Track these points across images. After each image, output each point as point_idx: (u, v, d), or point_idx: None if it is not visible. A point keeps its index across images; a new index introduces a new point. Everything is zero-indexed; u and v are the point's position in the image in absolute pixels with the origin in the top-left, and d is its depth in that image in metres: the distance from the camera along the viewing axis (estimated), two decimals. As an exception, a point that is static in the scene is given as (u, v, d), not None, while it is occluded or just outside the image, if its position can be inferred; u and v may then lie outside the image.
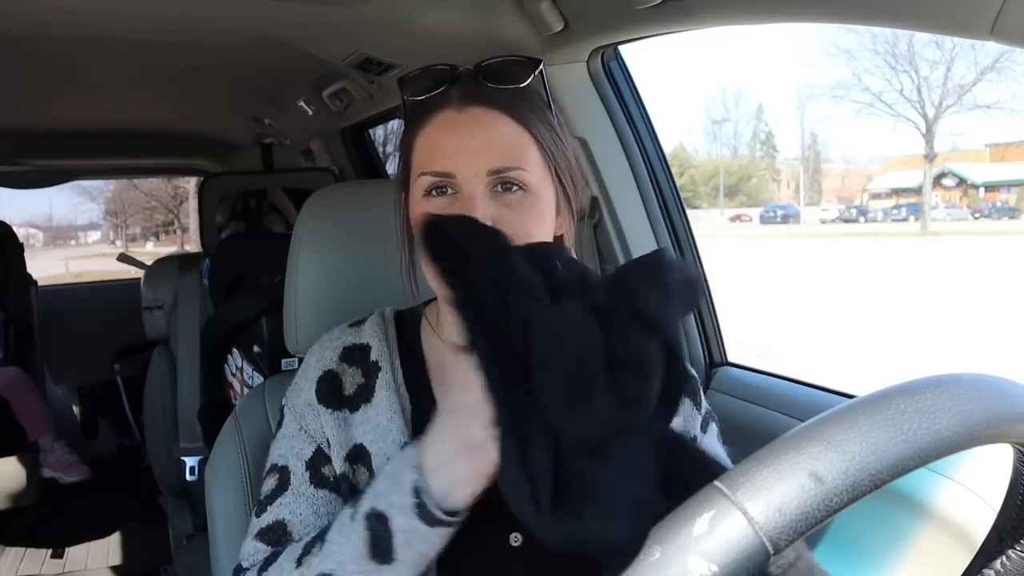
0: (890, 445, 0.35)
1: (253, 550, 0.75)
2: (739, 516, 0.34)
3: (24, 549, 2.80)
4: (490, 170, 0.69)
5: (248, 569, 0.73)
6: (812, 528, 0.34)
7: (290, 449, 0.78)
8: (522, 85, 0.72)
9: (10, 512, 2.74)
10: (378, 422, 0.75)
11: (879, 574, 0.94)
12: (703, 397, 0.83)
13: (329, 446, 0.76)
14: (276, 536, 0.74)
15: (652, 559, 0.34)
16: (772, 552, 0.34)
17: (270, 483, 0.77)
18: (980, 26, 0.64)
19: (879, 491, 0.35)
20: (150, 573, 2.45)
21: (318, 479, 0.76)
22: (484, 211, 0.68)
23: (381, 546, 0.61)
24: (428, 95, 0.73)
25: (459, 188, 0.70)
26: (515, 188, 0.70)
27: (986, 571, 0.46)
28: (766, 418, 1.15)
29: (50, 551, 2.78)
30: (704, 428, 0.81)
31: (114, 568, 2.67)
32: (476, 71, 0.73)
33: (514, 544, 0.72)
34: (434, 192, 0.71)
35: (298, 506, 0.75)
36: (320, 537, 0.67)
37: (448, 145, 0.71)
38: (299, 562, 0.68)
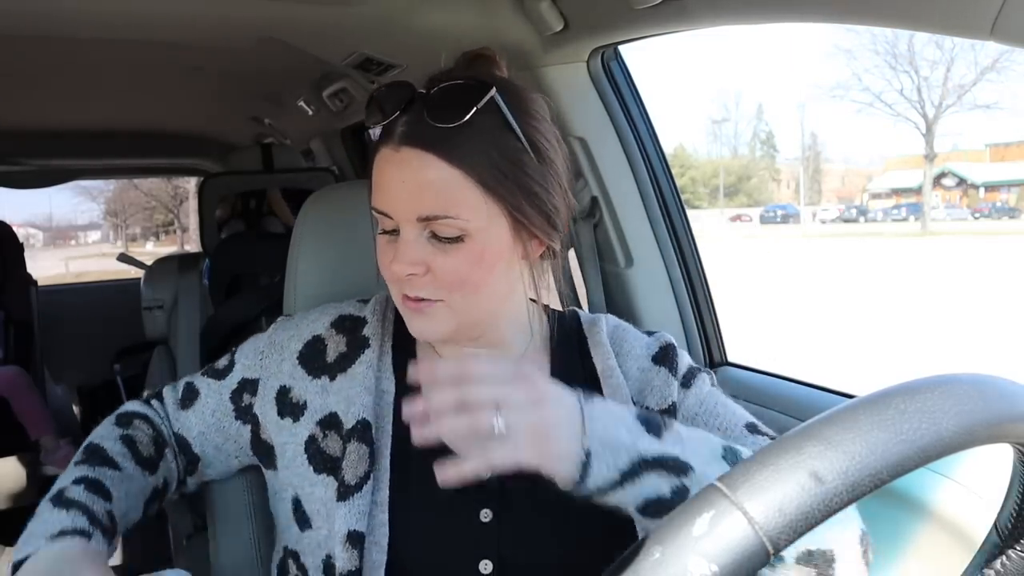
0: (890, 445, 0.35)
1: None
2: (739, 516, 0.34)
3: (24, 549, 2.80)
4: (419, 216, 0.68)
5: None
6: (812, 528, 0.34)
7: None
8: (461, 121, 0.66)
9: (10, 512, 2.74)
10: (348, 394, 0.76)
11: (879, 574, 0.94)
12: (682, 359, 0.81)
13: (305, 408, 0.78)
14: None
15: (652, 559, 0.34)
16: (772, 552, 0.34)
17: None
18: (980, 26, 0.64)
19: (879, 491, 0.35)
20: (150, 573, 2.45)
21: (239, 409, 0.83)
22: (414, 256, 0.68)
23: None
24: (377, 125, 0.71)
25: (398, 227, 0.70)
26: (449, 235, 0.68)
27: (986, 571, 0.46)
28: (766, 418, 1.14)
29: (50, 551, 2.78)
30: (688, 385, 0.79)
31: (114, 568, 2.66)
32: (425, 101, 0.68)
33: (484, 520, 0.72)
34: (385, 229, 0.72)
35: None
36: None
37: (383, 185, 0.70)
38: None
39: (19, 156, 3.05)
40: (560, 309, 0.85)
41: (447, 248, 0.68)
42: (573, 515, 0.72)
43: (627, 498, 0.60)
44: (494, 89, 0.67)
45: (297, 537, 0.77)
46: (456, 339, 0.77)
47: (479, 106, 0.66)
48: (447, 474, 0.56)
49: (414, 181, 0.67)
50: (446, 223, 0.67)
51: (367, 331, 0.80)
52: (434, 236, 0.68)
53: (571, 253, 1.33)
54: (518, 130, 0.68)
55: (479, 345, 0.78)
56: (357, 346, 0.79)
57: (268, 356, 0.82)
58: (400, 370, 0.79)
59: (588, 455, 0.58)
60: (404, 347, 0.81)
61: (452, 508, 0.72)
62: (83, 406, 3.13)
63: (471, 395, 0.57)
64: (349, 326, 0.81)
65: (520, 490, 0.72)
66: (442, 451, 0.74)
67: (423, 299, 0.71)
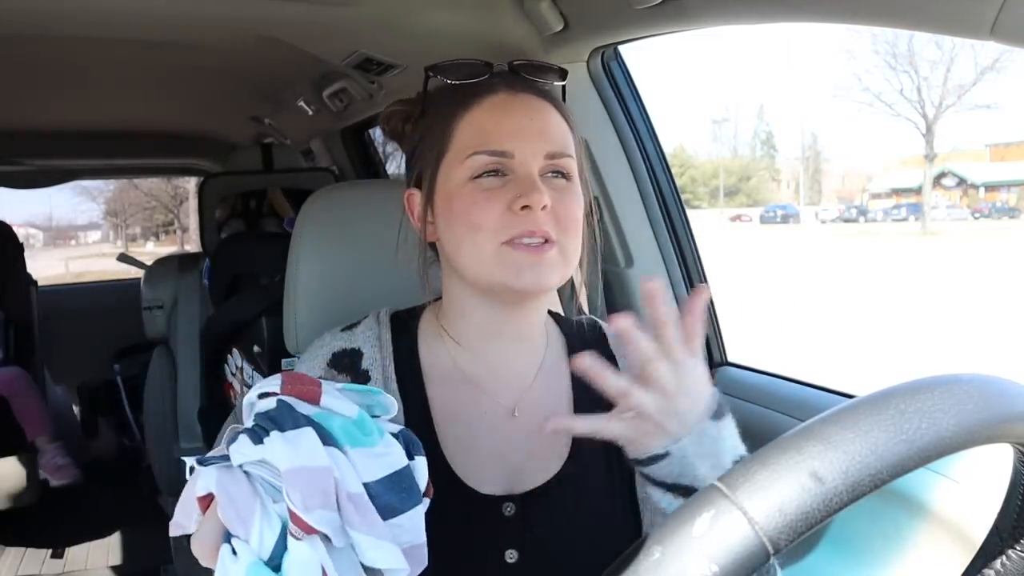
0: (890, 445, 0.35)
1: None
2: (739, 516, 0.34)
3: (24, 549, 2.80)
4: (547, 153, 0.72)
5: None
6: (812, 528, 0.34)
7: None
8: (563, 83, 0.77)
9: (10, 512, 2.74)
10: None
11: (879, 574, 0.94)
12: None
13: None
14: None
15: (652, 559, 0.34)
16: (772, 552, 0.34)
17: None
18: (980, 26, 0.64)
19: (879, 491, 0.35)
20: (150, 573, 2.45)
21: None
22: (544, 189, 0.70)
23: None
24: (477, 79, 0.74)
25: (514, 169, 0.71)
26: (563, 175, 0.73)
27: (986, 571, 0.46)
28: (766, 418, 1.15)
29: (50, 551, 2.78)
30: None
31: (114, 568, 2.67)
32: (513, 67, 0.76)
33: (510, 561, 0.71)
34: (485, 175, 0.71)
35: None
36: None
37: (505, 125, 0.72)
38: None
39: (19, 156, 3.05)
40: (570, 316, 0.85)
41: (560, 188, 0.72)
42: (598, 560, 0.71)
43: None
44: (568, 75, 0.78)
45: None
46: (542, 297, 0.78)
47: (566, 81, 0.78)
48: (557, 423, 0.61)
49: (542, 121, 0.73)
50: (566, 162, 0.73)
51: (365, 363, 0.76)
52: (549, 178, 0.72)
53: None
54: (571, 121, 0.77)
55: (512, 336, 0.77)
56: (359, 381, 0.76)
57: None
58: (408, 399, 0.75)
59: (666, 455, 0.60)
60: (408, 362, 0.77)
61: (477, 548, 0.70)
62: (83, 406, 3.13)
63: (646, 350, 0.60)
64: (348, 363, 0.77)
65: (545, 532, 0.71)
66: (460, 487, 0.71)
67: (543, 241, 0.70)
